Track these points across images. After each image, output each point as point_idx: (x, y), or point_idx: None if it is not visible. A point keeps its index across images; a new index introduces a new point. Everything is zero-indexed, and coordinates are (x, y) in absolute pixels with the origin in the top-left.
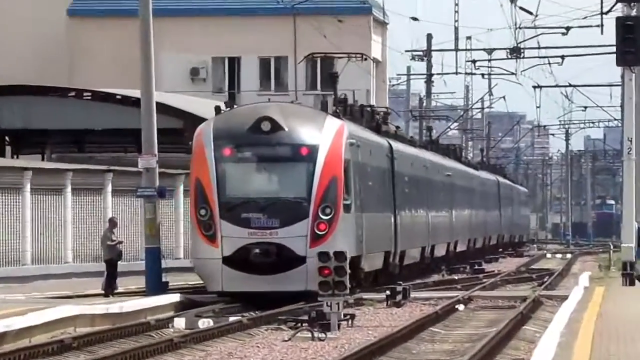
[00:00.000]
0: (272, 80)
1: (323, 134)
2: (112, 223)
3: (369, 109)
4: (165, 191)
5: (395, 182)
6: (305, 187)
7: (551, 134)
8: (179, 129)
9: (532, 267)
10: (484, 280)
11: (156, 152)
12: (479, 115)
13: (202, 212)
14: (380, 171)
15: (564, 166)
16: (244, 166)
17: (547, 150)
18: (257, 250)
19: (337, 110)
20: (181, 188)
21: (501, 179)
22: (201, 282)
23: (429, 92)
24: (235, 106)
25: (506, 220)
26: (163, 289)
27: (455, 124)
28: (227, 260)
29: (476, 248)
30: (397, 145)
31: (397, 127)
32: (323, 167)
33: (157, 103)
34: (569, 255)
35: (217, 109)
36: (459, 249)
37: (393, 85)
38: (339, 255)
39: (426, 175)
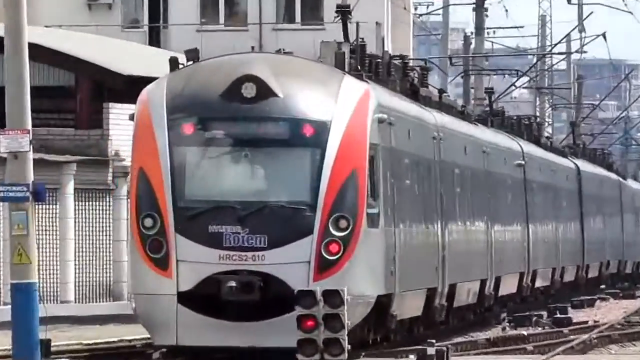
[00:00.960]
0: (220, 7)
1: (338, 105)
2: None
3: (398, 61)
4: (43, 191)
5: (442, 179)
6: (309, 186)
7: None
8: (68, 89)
9: None
10: (571, 337)
11: (29, 126)
12: (563, 65)
13: (148, 222)
14: (423, 162)
15: None
16: (214, 153)
17: None
18: (232, 284)
19: (358, 67)
20: (70, 186)
21: (604, 172)
22: (139, 335)
23: (479, 27)
24: (200, 59)
25: (614, 239)
26: (42, 351)
27: (524, 79)
28: (185, 298)
29: (564, 283)
30: (443, 121)
31: (441, 92)
32: (337, 156)
33: (31, 45)
34: None
35: (173, 63)
36: (538, 284)
37: (421, 15)
38: (332, 295)
39: (487, 166)
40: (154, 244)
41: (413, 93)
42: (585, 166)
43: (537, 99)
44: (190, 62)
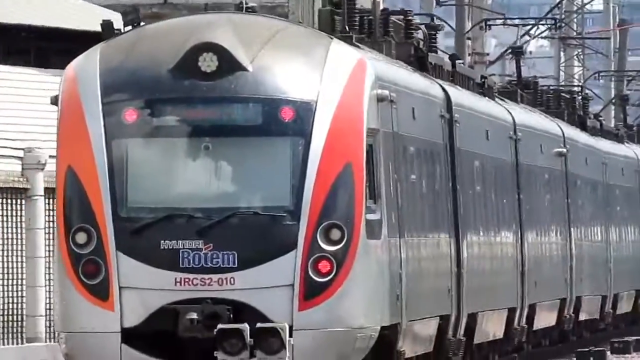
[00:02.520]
0: None
1: (325, 79)
2: None
3: (398, 18)
4: None
5: (457, 172)
6: (289, 186)
7: None
8: None
9: None
10: None
11: None
12: (599, 4)
13: (80, 238)
14: (432, 150)
15: None
16: (165, 145)
17: None
18: (192, 316)
19: (346, 27)
20: None
21: None
22: None
23: None
24: (142, 23)
25: None
26: None
27: (544, 27)
28: (131, 337)
29: (617, 315)
30: (457, 96)
31: (455, 58)
32: (325, 147)
33: None
34: None
35: (107, 28)
36: (583, 316)
37: None
38: (267, 336)
39: (514, 156)
40: (89, 267)
41: (419, 60)
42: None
43: (562, 54)
44: (130, 28)
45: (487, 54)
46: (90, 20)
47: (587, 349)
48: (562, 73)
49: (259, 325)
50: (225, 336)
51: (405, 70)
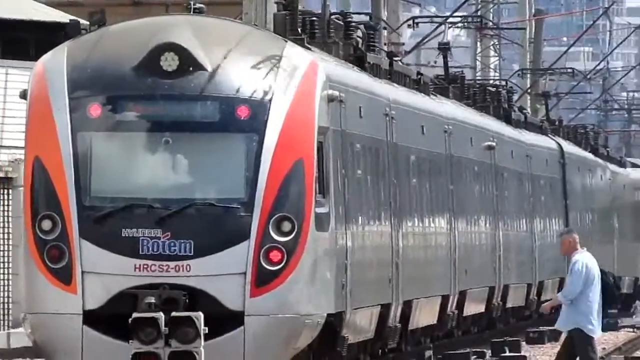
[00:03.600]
0: None
1: (279, 80)
2: None
3: (338, 18)
4: None
5: (397, 166)
6: (244, 180)
7: None
8: None
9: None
10: None
11: None
12: None
13: (46, 225)
14: (375, 147)
15: None
16: (127, 139)
17: None
18: (150, 300)
19: (298, 29)
20: None
21: (591, 156)
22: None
23: None
24: (106, 23)
25: (605, 247)
26: None
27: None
28: (92, 319)
29: (542, 301)
30: (397, 94)
31: (392, 56)
32: (279, 143)
33: None
34: None
35: (74, 28)
36: (510, 303)
37: None
38: (183, 325)
39: (448, 149)
40: (53, 252)
41: (358, 60)
42: (570, 148)
43: (479, 44)
44: (95, 27)
45: (403, 44)
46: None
47: (502, 339)
48: (478, 63)
49: (173, 314)
50: (140, 325)
51: (352, 71)
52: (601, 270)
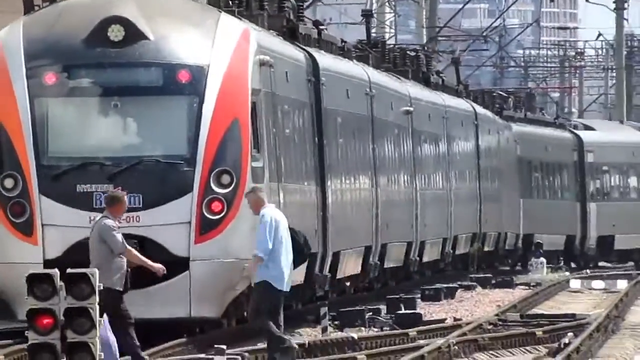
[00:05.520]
0: None
1: (215, 47)
2: None
3: None
4: None
5: (323, 127)
6: (186, 138)
7: None
8: None
9: (536, 310)
10: (420, 342)
11: None
12: None
13: (8, 183)
14: (301, 108)
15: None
16: (80, 103)
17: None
18: None
19: (229, 2)
20: None
21: (479, 109)
22: None
23: None
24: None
25: (492, 208)
26: None
27: None
28: (52, 267)
29: (457, 255)
30: (324, 62)
31: (318, 25)
32: (216, 105)
33: None
34: (621, 285)
35: (28, 3)
36: (427, 257)
37: None
38: (78, 281)
39: (371, 111)
40: (15, 207)
41: (290, 31)
42: (481, 110)
43: (374, 2)
44: (47, 3)
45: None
46: None
47: (397, 296)
48: (374, 20)
49: (69, 270)
50: (36, 281)
51: (279, 40)
52: (291, 229)
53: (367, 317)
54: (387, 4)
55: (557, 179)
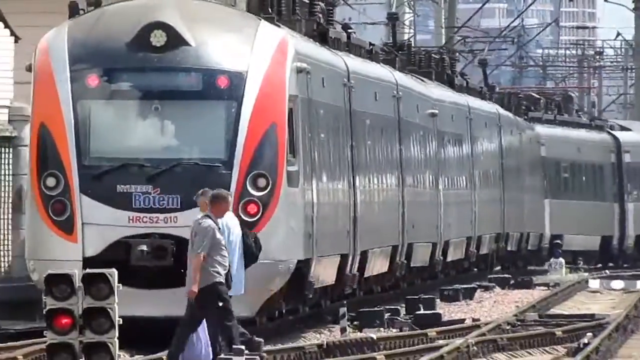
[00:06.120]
0: None
1: (254, 54)
2: None
3: None
4: None
5: (353, 130)
6: (224, 142)
7: None
8: None
9: (555, 310)
10: (439, 342)
11: None
12: None
13: (50, 182)
14: (336, 113)
15: None
16: (121, 106)
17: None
18: (142, 248)
19: (270, 10)
20: None
21: (501, 110)
22: None
23: None
24: (103, 4)
25: (515, 208)
26: None
27: None
28: (91, 264)
29: (481, 254)
30: (354, 65)
31: (347, 28)
32: (254, 109)
33: None
34: None
35: (73, 8)
36: (452, 256)
37: None
38: (96, 281)
39: (398, 113)
40: (57, 206)
41: (320, 35)
42: (503, 112)
43: (393, 1)
44: (92, 8)
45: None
46: None
47: (416, 297)
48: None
49: (87, 271)
50: (54, 281)
51: (315, 45)
52: (243, 232)
53: (386, 317)
54: (406, 4)
55: (590, 180)
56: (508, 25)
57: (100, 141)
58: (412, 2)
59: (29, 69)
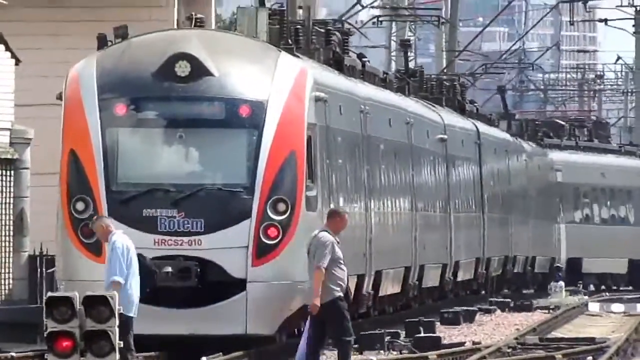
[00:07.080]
0: None
1: (275, 83)
2: None
3: (319, 26)
4: None
5: (368, 156)
6: (246, 168)
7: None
8: None
9: (555, 334)
10: None
11: None
12: None
13: (80, 206)
14: (352, 139)
15: None
16: (148, 134)
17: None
18: (167, 269)
19: (290, 41)
20: None
21: (508, 137)
22: None
23: None
24: (130, 36)
25: (521, 232)
26: None
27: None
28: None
29: (480, 281)
30: (369, 92)
31: (362, 57)
32: (275, 137)
33: None
34: None
35: (102, 40)
36: (461, 277)
37: None
38: (97, 304)
39: (410, 139)
40: (86, 229)
41: (336, 63)
42: (512, 138)
43: (394, 23)
44: (120, 40)
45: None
46: None
47: (416, 319)
48: (393, 43)
49: (87, 293)
50: (54, 304)
51: (333, 74)
52: (138, 255)
53: (386, 340)
54: (407, 27)
55: (614, 205)
56: (509, 49)
57: (128, 167)
58: (413, 26)
59: (59, 97)
